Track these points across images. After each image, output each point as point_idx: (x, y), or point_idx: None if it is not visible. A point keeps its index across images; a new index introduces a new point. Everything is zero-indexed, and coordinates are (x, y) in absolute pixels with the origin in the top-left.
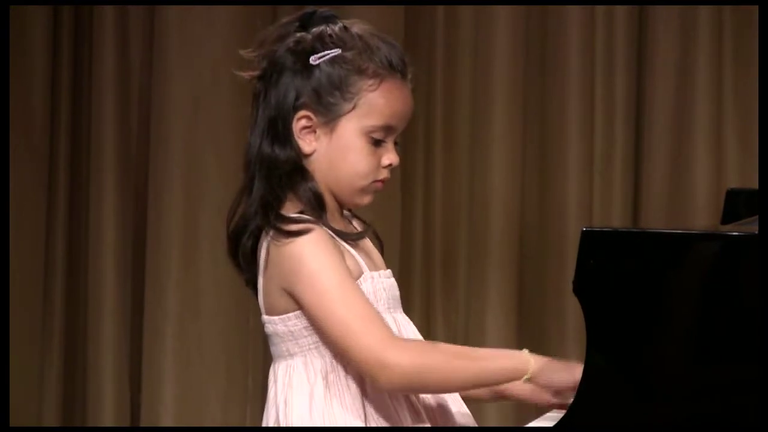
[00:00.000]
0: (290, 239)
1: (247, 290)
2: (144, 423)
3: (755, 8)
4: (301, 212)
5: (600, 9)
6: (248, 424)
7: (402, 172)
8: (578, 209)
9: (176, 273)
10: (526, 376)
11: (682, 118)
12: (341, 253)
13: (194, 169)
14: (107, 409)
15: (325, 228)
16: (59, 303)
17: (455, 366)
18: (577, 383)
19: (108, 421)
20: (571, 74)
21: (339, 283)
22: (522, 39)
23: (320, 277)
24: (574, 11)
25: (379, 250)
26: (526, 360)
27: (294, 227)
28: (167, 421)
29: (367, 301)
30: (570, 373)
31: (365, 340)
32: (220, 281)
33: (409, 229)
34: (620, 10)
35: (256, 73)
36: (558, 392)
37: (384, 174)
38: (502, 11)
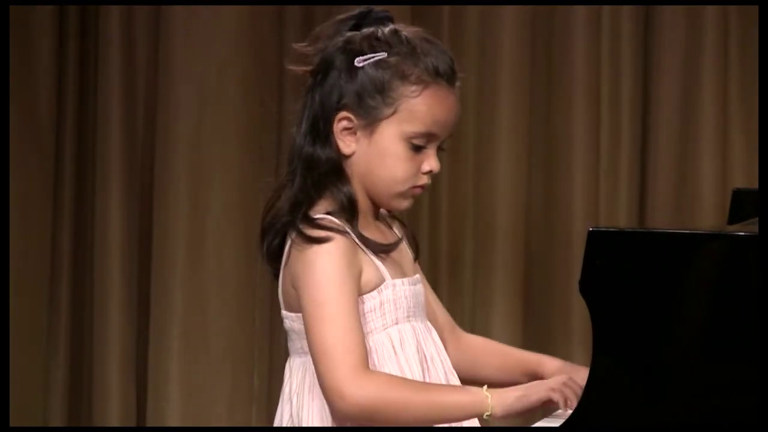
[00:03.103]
0: (309, 245)
1: (252, 289)
2: (150, 422)
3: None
4: (329, 213)
5: (606, 9)
6: (254, 423)
7: None
8: (584, 209)
9: (182, 272)
10: (486, 414)
11: (689, 118)
12: (358, 266)
13: (200, 169)
14: (113, 408)
15: (351, 234)
16: (65, 302)
17: (411, 400)
18: (536, 405)
19: (114, 420)
20: (577, 74)
21: (336, 300)
22: (528, 39)
23: (322, 289)
24: (580, 11)
25: (414, 253)
26: (485, 397)
27: (315, 233)
28: (173, 420)
29: (355, 327)
30: (528, 398)
31: (334, 366)
32: (225, 281)
33: (414, 230)
34: (626, 10)
35: (308, 68)
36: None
37: (423, 180)
38: (508, 11)
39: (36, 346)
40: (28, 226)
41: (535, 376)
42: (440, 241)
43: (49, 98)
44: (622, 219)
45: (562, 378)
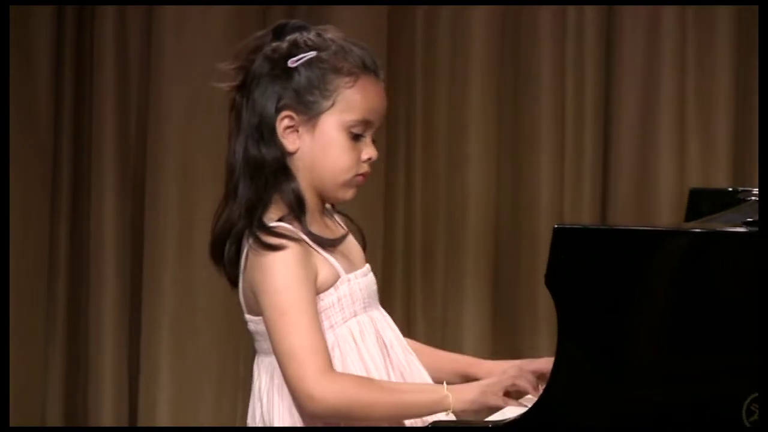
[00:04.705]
0: (265, 252)
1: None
2: (142, 409)
3: (718, 15)
4: (281, 219)
5: (571, 13)
6: (240, 409)
7: (384, 172)
8: (550, 208)
9: (172, 268)
10: (447, 411)
11: (648, 123)
12: (313, 269)
13: (189, 169)
14: (107, 394)
15: (303, 238)
16: (63, 295)
17: (378, 401)
18: (489, 402)
19: (108, 406)
20: (542, 80)
21: (297, 306)
22: (497, 42)
23: (282, 296)
24: (546, 15)
25: (361, 245)
26: (445, 396)
27: (271, 240)
28: (163, 407)
29: (317, 330)
30: (484, 396)
31: (302, 370)
32: (213, 275)
33: (391, 227)
34: (589, 16)
35: (234, 84)
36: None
37: (364, 168)
38: (478, 13)
39: (35, 336)
40: (27, 223)
41: (466, 377)
42: (414, 238)
43: (48, 102)
44: (585, 217)
45: (512, 375)
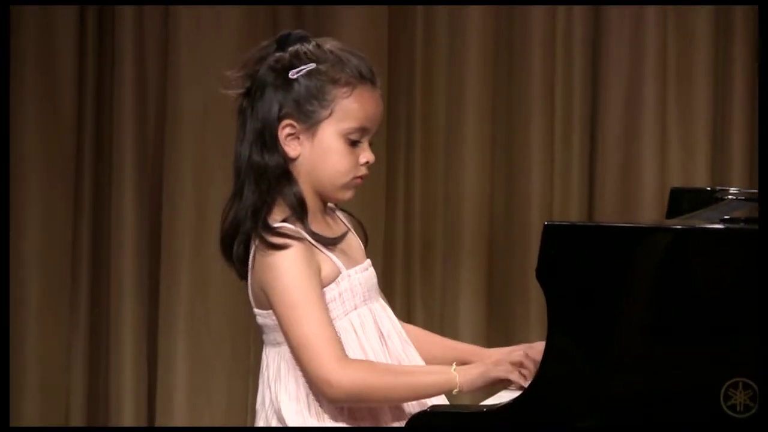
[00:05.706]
0: (272, 251)
1: None
2: (159, 394)
3: (696, 22)
4: (285, 219)
5: (560, 23)
6: (250, 394)
7: (385, 172)
8: (540, 205)
9: (188, 261)
10: (455, 390)
11: (631, 125)
12: (316, 265)
13: (203, 167)
14: (127, 378)
15: (306, 237)
16: (85, 286)
17: (392, 384)
18: (494, 375)
19: (128, 391)
20: (533, 82)
21: (307, 300)
22: (492, 42)
23: (291, 292)
24: (538, 16)
25: (363, 240)
26: (454, 375)
27: (276, 240)
28: (179, 392)
29: (327, 320)
30: (489, 375)
31: (317, 359)
32: (226, 269)
33: (391, 224)
34: (577, 14)
35: (240, 91)
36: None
37: (362, 171)
38: (474, 12)
39: (60, 326)
40: (52, 217)
41: (466, 364)
42: (414, 235)
43: (71, 101)
44: (573, 214)
45: (520, 354)
